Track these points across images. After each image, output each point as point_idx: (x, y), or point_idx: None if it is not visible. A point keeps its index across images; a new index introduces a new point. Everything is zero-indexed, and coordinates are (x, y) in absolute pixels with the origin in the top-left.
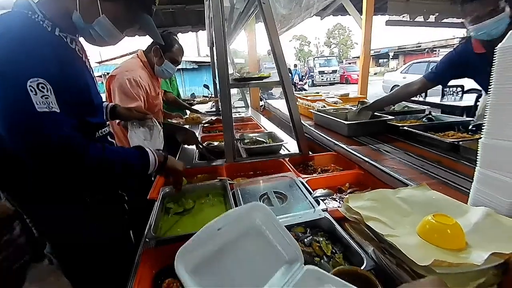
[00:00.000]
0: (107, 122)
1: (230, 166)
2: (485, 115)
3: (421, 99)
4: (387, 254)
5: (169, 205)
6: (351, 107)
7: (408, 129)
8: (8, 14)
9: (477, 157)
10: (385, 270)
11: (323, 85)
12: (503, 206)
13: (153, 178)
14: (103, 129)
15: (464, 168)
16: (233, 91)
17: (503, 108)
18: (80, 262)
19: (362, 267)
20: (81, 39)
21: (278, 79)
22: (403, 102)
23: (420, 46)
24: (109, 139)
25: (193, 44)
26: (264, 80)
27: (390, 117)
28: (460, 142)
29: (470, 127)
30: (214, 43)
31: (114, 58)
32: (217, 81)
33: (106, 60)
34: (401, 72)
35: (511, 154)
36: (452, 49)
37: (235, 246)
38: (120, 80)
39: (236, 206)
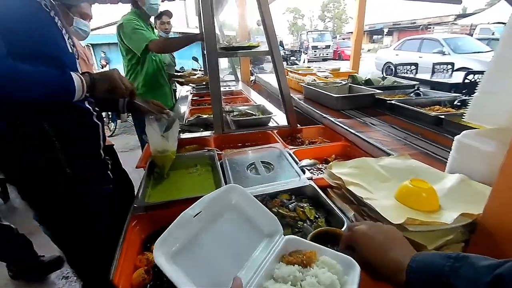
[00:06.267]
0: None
1: (218, 138)
2: (476, 88)
3: (411, 75)
4: (366, 216)
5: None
6: (341, 81)
7: (395, 103)
8: None
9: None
10: None
11: (315, 61)
12: (477, 173)
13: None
14: None
15: (445, 140)
16: (224, 65)
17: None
18: (69, 229)
19: (342, 229)
20: None
21: (268, 49)
22: (393, 77)
23: (415, 23)
24: (87, 104)
25: (182, 15)
26: (253, 50)
27: (378, 91)
28: (444, 116)
29: (455, 102)
30: (201, 8)
31: (97, 28)
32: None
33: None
34: (394, 49)
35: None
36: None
37: (214, 228)
38: None
39: (224, 176)
